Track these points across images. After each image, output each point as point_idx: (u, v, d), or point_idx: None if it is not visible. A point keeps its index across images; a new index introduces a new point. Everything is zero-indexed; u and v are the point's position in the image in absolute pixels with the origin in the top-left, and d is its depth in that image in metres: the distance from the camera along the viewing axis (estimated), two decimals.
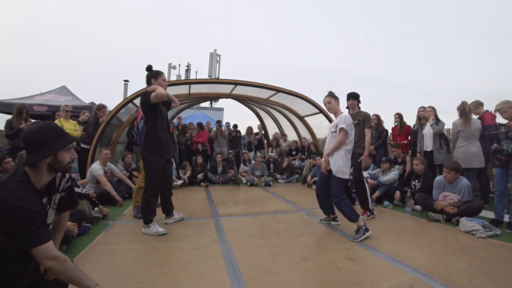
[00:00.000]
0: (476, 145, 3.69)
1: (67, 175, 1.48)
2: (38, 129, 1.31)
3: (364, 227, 2.59)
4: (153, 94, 2.56)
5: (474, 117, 3.96)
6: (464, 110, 3.78)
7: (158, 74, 2.78)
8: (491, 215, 3.18)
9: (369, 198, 3.45)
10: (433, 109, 4.28)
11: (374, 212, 3.44)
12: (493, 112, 3.62)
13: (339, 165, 2.65)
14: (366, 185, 3.48)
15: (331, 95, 2.90)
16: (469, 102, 4.14)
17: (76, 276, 1.24)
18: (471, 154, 3.65)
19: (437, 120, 4.21)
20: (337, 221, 3.05)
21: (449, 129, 4.69)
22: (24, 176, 1.23)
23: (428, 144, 4.24)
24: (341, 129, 2.65)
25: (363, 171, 3.67)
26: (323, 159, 2.90)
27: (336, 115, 2.85)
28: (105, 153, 4.10)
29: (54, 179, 1.38)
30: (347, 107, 3.61)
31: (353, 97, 3.57)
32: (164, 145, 2.77)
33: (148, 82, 2.78)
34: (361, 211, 3.35)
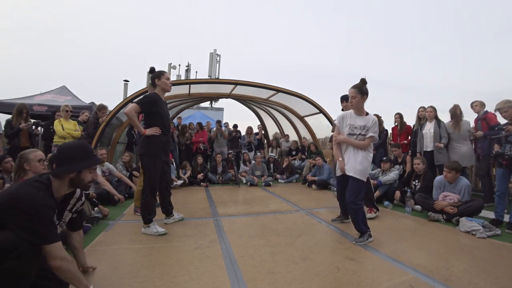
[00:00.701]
0: (467, 145, 4.01)
1: (83, 198, 1.61)
2: (72, 146, 1.48)
3: (369, 233, 2.52)
4: (126, 111, 2.61)
5: (471, 117, 4.16)
6: (455, 114, 4.04)
7: (161, 73, 2.80)
8: (491, 215, 3.18)
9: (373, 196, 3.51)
10: (434, 109, 4.29)
11: (378, 208, 3.52)
12: (493, 112, 3.64)
13: (357, 168, 2.48)
14: (371, 184, 3.55)
15: (357, 88, 2.52)
16: (471, 102, 4.20)
17: (78, 276, 1.33)
18: (463, 154, 3.92)
19: (438, 121, 4.21)
20: (349, 218, 2.91)
21: None
22: (47, 181, 1.35)
23: (428, 144, 4.24)
24: (371, 137, 2.50)
25: None
26: (339, 159, 2.63)
27: (359, 112, 2.58)
28: (100, 153, 4.09)
29: (69, 198, 1.50)
30: (342, 110, 3.56)
31: (347, 100, 3.53)
32: (162, 146, 2.75)
33: (153, 83, 2.79)
34: (367, 209, 3.38)
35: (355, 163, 2.50)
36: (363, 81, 2.58)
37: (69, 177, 1.39)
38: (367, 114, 2.60)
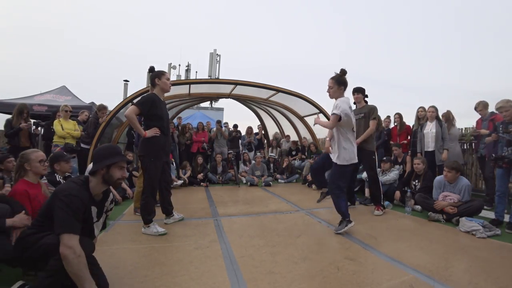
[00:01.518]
0: (458, 145, 4.56)
1: (113, 201, 1.76)
2: (102, 147, 1.68)
3: (348, 219, 2.69)
4: (126, 113, 2.63)
5: (473, 118, 4.36)
6: (449, 118, 4.46)
7: (162, 73, 2.80)
8: (491, 215, 3.19)
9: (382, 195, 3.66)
10: (435, 109, 4.24)
11: (385, 207, 3.69)
12: (494, 111, 3.64)
13: (339, 154, 2.66)
14: (380, 184, 3.68)
15: (334, 78, 2.66)
16: (474, 106, 4.26)
17: (82, 275, 1.32)
18: (457, 153, 4.34)
19: (438, 121, 4.18)
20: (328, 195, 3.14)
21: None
22: (85, 179, 1.54)
23: (429, 144, 4.19)
24: (333, 115, 2.57)
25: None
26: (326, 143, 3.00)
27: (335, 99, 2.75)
28: None
29: (105, 201, 1.65)
30: (354, 103, 3.73)
31: (358, 91, 3.67)
32: (162, 147, 2.75)
33: (153, 82, 2.78)
34: (375, 207, 3.58)
35: (334, 151, 2.73)
36: (343, 71, 2.69)
37: (101, 174, 1.53)
38: None
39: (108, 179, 1.54)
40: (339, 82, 2.66)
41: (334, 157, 2.68)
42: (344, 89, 2.70)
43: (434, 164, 4.12)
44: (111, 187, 1.66)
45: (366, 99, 3.73)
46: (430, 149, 4.17)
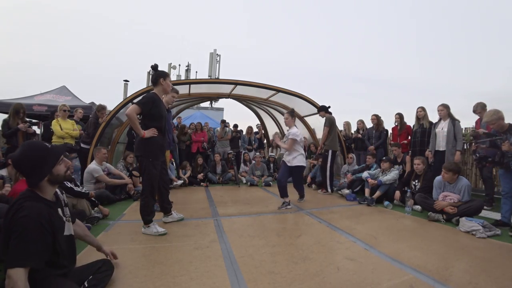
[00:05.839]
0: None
1: (62, 191, 1.61)
2: (24, 154, 1.35)
3: (287, 203, 3.78)
4: (127, 112, 2.60)
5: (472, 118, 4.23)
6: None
7: (167, 74, 2.83)
8: (491, 215, 3.18)
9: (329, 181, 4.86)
10: (445, 107, 4.05)
11: (332, 190, 4.75)
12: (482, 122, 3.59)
13: (298, 160, 3.83)
14: (328, 173, 4.82)
15: (289, 113, 3.92)
16: (472, 110, 4.19)
17: None
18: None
19: (452, 119, 4.03)
20: (290, 205, 3.86)
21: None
22: (30, 192, 1.35)
23: (440, 143, 4.07)
24: (289, 139, 3.78)
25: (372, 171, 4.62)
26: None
27: (289, 127, 3.90)
28: (104, 152, 4.11)
29: (58, 196, 1.51)
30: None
31: (323, 110, 4.99)
32: (160, 147, 2.75)
33: (156, 81, 2.76)
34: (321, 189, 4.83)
35: (292, 158, 3.86)
36: (293, 110, 4.11)
37: (45, 181, 1.37)
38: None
39: (57, 179, 1.41)
40: (292, 115, 3.92)
41: (295, 163, 3.83)
42: (295, 119, 3.98)
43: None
44: None
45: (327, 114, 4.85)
46: (441, 149, 4.04)
